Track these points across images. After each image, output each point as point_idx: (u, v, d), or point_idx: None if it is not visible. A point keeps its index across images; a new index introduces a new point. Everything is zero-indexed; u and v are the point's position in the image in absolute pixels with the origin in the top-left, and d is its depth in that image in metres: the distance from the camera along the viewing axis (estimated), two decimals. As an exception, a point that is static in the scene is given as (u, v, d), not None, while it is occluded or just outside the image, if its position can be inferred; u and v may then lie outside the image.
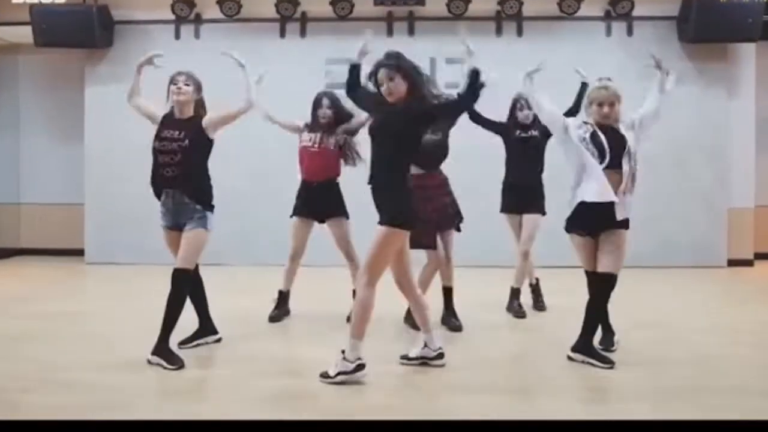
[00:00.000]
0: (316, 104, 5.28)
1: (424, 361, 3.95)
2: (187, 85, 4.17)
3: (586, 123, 4.10)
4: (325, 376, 3.64)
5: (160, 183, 4.12)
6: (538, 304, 5.58)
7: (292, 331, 5.08)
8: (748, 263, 8.04)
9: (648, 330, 4.84)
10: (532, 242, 5.34)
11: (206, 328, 4.48)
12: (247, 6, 7.89)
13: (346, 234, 5.13)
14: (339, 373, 3.60)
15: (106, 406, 3.32)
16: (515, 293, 5.45)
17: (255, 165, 8.07)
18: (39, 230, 8.83)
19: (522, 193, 5.34)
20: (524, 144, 5.33)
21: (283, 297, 5.28)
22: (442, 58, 8.03)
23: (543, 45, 7.97)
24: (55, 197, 8.77)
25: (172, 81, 4.20)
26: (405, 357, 4.01)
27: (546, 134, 5.16)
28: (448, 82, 7.99)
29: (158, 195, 4.15)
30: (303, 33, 8.15)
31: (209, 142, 4.18)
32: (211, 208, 4.11)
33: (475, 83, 3.79)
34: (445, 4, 7.77)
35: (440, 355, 3.96)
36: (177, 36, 8.19)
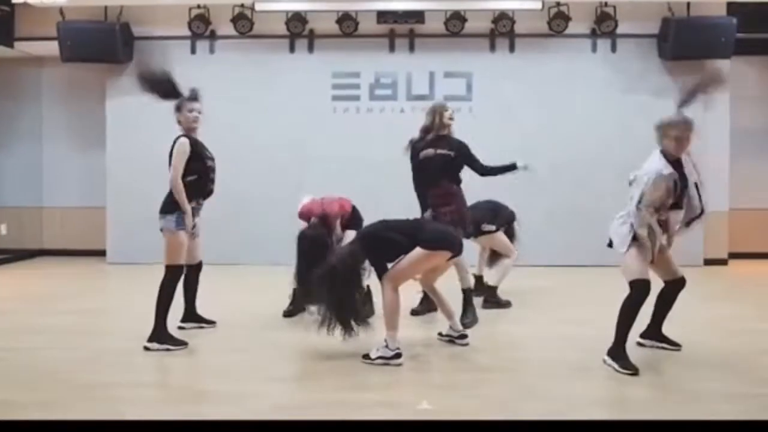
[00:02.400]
0: None
1: (451, 339, 4.65)
2: (200, 112, 4.86)
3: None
4: (366, 357, 4.17)
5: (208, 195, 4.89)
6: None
7: (301, 324, 5.47)
8: (723, 262, 8.63)
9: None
10: None
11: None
12: (259, 23, 8.38)
13: None
14: (379, 357, 4.13)
15: (154, 383, 3.90)
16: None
17: (265, 170, 8.54)
18: (61, 232, 9.31)
19: None
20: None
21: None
22: (440, 72, 8.63)
23: (533, 60, 8.56)
24: (76, 201, 9.26)
25: (190, 109, 4.79)
26: (439, 333, 4.72)
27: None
28: (447, 95, 8.62)
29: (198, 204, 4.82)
30: (311, 49, 8.65)
31: None
32: None
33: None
34: (443, 23, 8.30)
35: (463, 336, 4.64)
36: (193, 51, 8.70)
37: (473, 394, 3.70)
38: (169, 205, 4.69)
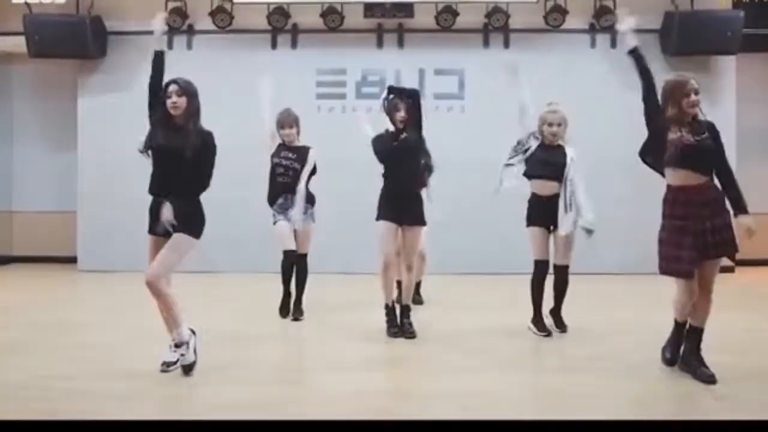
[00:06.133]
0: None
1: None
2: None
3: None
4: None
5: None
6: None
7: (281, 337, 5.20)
8: (729, 270, 8.17)
9: (630, 333, 5.02)
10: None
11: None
12: (239, 18, 8.03)
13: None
14: None
15: (106, 412, 3.40)
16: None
17: (245, 173, 8.12)
18: (31, 238, 8.91)
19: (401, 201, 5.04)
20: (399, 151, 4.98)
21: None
22: (430, 69, 8.27)
23: (529, 56, 8.10)
24: (47, 205, 8.87)
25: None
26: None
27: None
28: (437, 93, 8.24)
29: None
30: (294, 44, 8.31)
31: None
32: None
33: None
34: (433, 17, 7.96)
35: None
36: (170, 46, 8.23)
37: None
38: None
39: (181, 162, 3.86)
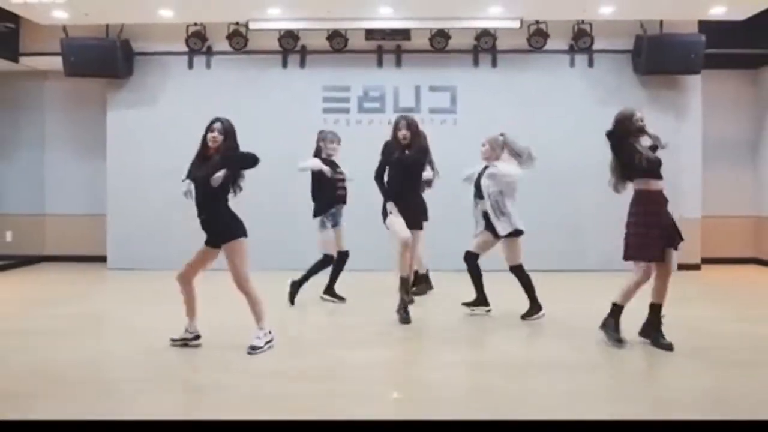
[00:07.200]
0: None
1: (185, 342, 4.69)
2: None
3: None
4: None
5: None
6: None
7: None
8: (696, 267, 8.99)
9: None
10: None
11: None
12: (253, 40, 8.78)
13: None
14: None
15: (139, 381, 4.03)
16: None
17: (257, 181, 8.73)
18: (63, 239, 9.66)
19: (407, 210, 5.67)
20: (403, 164, 5.62)
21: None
22: (425, 86, 9.03)
23: (514, 75, 8.96)
24: (78, 208, 9.63)
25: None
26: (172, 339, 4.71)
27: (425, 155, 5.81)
28: (431, 107, 9.01)
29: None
30: (303, 64, 9.04)
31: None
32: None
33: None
34: (428, 39, 8.71)
35: (197, 337, 4.73)
36: (190, 66, 9.09)
37: (445, 389, 3.99)
38: None
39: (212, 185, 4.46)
